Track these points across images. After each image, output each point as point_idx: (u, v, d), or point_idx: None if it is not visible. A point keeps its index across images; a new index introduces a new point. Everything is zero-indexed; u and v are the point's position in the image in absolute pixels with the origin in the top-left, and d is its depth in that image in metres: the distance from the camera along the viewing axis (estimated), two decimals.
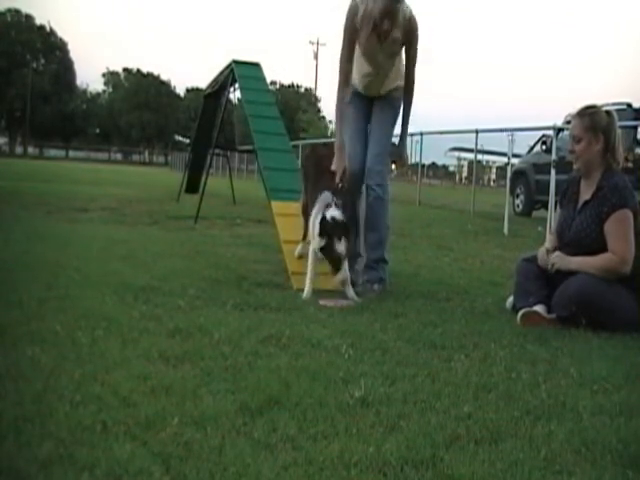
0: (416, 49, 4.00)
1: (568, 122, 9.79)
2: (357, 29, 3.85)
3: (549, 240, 3.42)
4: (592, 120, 3.19)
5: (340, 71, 3.93)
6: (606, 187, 3.12)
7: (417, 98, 4.52)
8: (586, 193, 3.22)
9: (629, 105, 9.89)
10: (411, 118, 4.23)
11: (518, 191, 12.34)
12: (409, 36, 3.93)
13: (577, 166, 3.24)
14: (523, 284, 3.26)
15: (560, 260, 3.15)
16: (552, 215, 7.98)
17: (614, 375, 2.26)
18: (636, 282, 3.07)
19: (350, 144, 3.94)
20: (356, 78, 4.06)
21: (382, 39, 3.89)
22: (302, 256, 3.92)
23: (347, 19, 3.88)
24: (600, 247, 3.08)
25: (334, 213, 3.38)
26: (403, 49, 4.00)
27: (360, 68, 4.05)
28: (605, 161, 3.19)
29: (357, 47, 3.94)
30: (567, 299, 3.00)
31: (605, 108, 3.32)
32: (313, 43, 61.70)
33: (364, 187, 3.93)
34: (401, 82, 4.05)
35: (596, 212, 3.12)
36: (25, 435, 1.53)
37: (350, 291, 3.47)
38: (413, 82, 4.05)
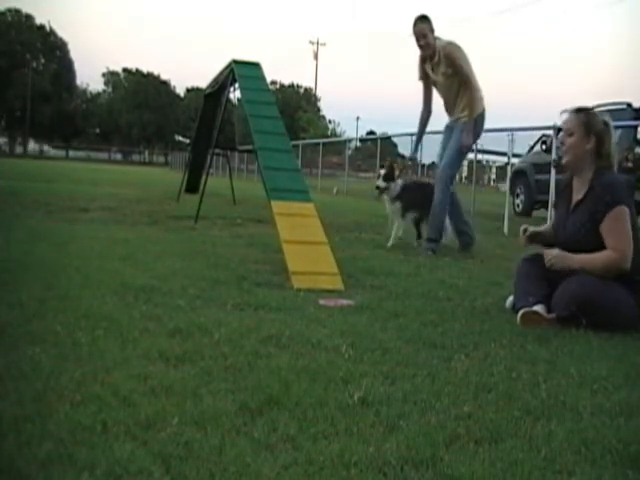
0: (458, 61, 5.51)
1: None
2: (424, 75, 5.73)
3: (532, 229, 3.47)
4: (587, 118, 3.19)
5: (421, 112, 6.02)
6: (598, 186, 3.11)
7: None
8: (578, 193, 3.22)
9: (629, 105, 9.90)
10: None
11: (518, 191, 12.34)
12: (450, 61, 5.50)
13: (566, 160, 3.23)
14: (523, 284, 3.26)
15: (559, 260, 3.15)
16: (552, 215, 7.99)
17: (614, 375, 2.26)
18: (636, 281, 3.07)
19: (439, 157, 5.89)
20: (445, 111, 5.86)
21: (432, 65, 5.60)
22: None
23: (418, 74, 5.81)
24: (595, 247, 3.08)
25: None
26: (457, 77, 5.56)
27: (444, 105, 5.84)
28: (596, 164, 3.18)
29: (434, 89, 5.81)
30: (567, 299, 2.99)
31: (602, 109, 3.34)
32: (313, 43, 61.85)
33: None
34: (467, 111, 5.59)
35: (590, 212, 3.11)
36: (25, 435, 1.53)
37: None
38: (469, 86, 5.55)
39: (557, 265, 3.14)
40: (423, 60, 5.72)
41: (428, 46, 5.56)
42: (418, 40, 5.61)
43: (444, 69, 5.57)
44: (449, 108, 5.80)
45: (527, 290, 3.19)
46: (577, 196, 3.22)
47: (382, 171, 5.92)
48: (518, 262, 3.43)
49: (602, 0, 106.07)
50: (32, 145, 66.45)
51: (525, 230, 3.44)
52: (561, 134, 3.34)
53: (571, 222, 3.19)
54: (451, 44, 5.57)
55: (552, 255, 3.18)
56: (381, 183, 5.87)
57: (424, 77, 5.79)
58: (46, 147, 68.56)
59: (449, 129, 5.84)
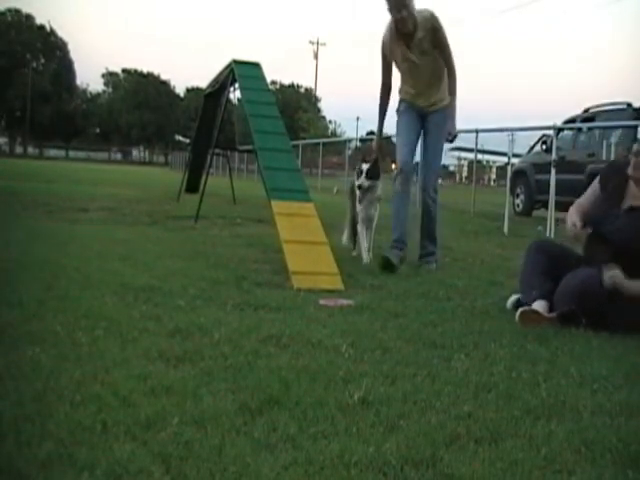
0: (445, 38, 4.59)
1: (570, 121, 9.81)
2: (389, 52, 4.68)
3: (576, 214, 3.26)
4: None
5: (381, 89, 4.94)
6: None
7: None
8: (635, 199, 3.20)
9: (629, 105, 9.89)
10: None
11: (518, 191, 12.35)
12: (434, 31, 4.54)
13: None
14: (529, 276, 3.25)
15: (619, 283, 2.96)
16: (552, 214, 7.99)
17: (614, 375, 2.26)
18: None
19: (402, 151, 4.80)
20: (406, 94, 4.86)
21: (409, 43, 4.57)
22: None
23: (382, 49, 4.73)
24: None
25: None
26: (436, 53, 4.62)
27: (405, 87, 4.85)
28: None
29: (397, 69, 4.81)
30: (569, 294, 2.99)
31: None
32: (313, 43, 61.70)
33: (421, 193, 4.94)
34: (447, 95, 4.75)
35: None
36: (25, 435, 1.53)
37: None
38: (452, 68, 4.69)
39: (617, 285, 2.95)
40: (395, 37, 4.61)
41: (410, 18, 4.45)
42: (399, 11, 4.39)
43: (427, 45, 4.56)
44: (420, 91, 4.75)
45: (531, 283, 3.19)
46: (634, 202, 3.19)
47: (365, 166, 4.69)
48: (529, 245, 3.40)
49: (602, 0, 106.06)
50: (31, 149, 66.46)
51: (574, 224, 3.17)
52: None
53: (623, 224, 3.12)
54: (435, 15, 4.54)
55: (612, 274, 2.97)
56: (364, 182, 4.67)
57: (391, 59, 4.74)
58: (45, 150, 68.42)
59: (415, 117, 4.82)
